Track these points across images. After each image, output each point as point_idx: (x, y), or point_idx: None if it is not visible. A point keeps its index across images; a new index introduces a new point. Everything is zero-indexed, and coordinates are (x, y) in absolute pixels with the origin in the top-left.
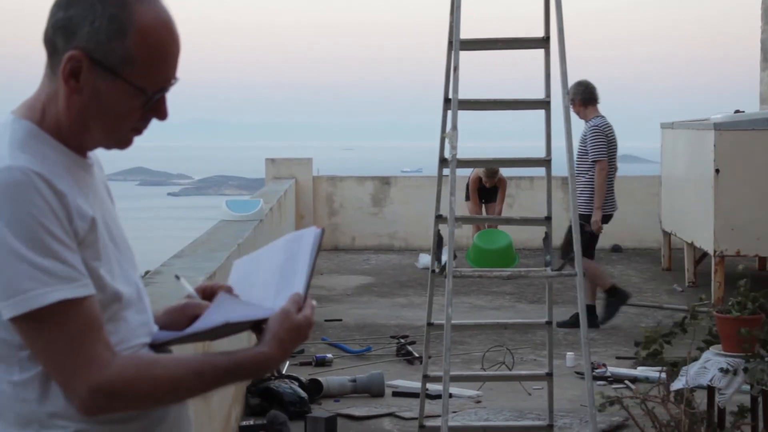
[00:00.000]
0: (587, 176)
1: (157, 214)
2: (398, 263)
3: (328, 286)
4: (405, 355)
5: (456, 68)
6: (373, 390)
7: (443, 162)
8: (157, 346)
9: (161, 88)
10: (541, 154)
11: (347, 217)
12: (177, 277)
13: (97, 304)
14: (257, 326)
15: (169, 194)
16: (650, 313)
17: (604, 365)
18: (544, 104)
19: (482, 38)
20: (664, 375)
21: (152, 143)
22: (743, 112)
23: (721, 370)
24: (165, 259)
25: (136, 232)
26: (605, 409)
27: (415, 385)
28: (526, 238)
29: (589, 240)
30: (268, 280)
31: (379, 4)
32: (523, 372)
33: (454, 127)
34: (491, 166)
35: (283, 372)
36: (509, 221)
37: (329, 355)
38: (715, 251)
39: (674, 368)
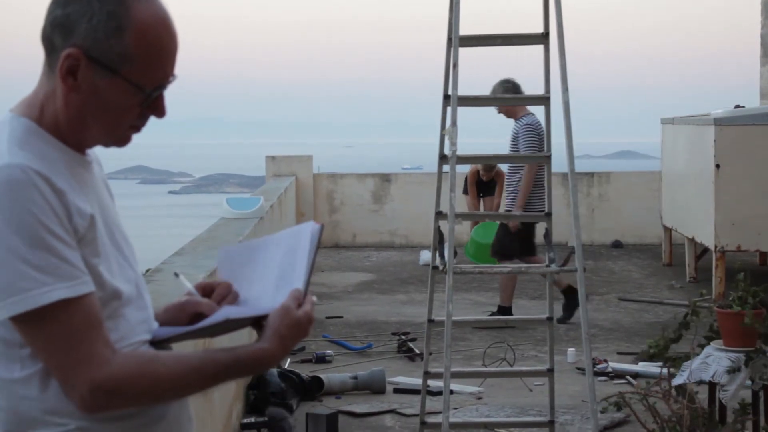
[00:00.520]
0: (519, 175)
1: (158, 212)
2: (399, 260)
3: (329, 283)
4: (406, 351)
5: (455, 65)
6: (374, 387)
7: (443, 158)
8: (158, 343)
9: (159, 85)
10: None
11: (348, 214)
12: (176, 275)
13: (96, 301)
14: (257, 323)
15: (169, 192)
16: (651, 309)
17: (606, 361)
18: (544, 100)
19: (481, 34)
20: (665, 371)
21: (153, 141)
22: (743, 107)
23: (729, 371)
24: (166, 256)
25: (137, 231)
26: (607, 410)
27: (416, 381)
28: None
29: (525, 239)
30: (266, 275)
31: (379, 0)
32: (524, 368)
33: (454, 123)
34: (492, 163)
35: (285, 368)
36: (510, 217)
37: (330, 352)
38: (715, 246)
39: (676, 363)
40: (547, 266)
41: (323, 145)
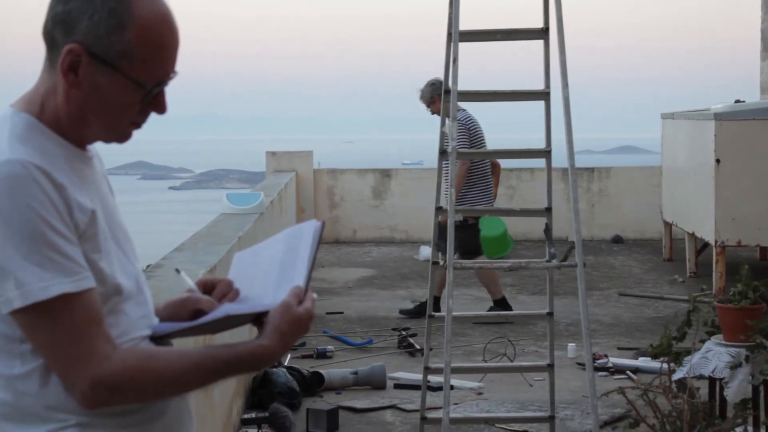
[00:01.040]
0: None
1: (158, 207)
2: (399, 255)
3: (330, 278)
4: (406, 347)
5: (455, 60)
6: (374, 382)
7: (443, 154)
8: (158, 339)
9: (160, 82)
10: (541, 145)
11: (348, 210)
12: (177, 271)
13: (97, 297)
14: (258, 319)
15: (170, 188)
16: (651, 304)
17: (606, 356)
18: (544, 95)
19: (481, 29)
20: (665, 366)
21: (153, 137)
22: (744, 101)
23: (731, 367)
24: (166, 252)
25: (138, 226)
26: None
27: (417, 377)
28: (527, 229)
29: (472, 236)
30: (268, 274)
31: None
32: (525, 363)
33: (454, 118)
34: (491, 158)
35: (285, 364)
36: (509, 212)
37: (330, 347)
38: (716, 241)
39: (677, 358)
40: (547, 261)
41: (323, 141)
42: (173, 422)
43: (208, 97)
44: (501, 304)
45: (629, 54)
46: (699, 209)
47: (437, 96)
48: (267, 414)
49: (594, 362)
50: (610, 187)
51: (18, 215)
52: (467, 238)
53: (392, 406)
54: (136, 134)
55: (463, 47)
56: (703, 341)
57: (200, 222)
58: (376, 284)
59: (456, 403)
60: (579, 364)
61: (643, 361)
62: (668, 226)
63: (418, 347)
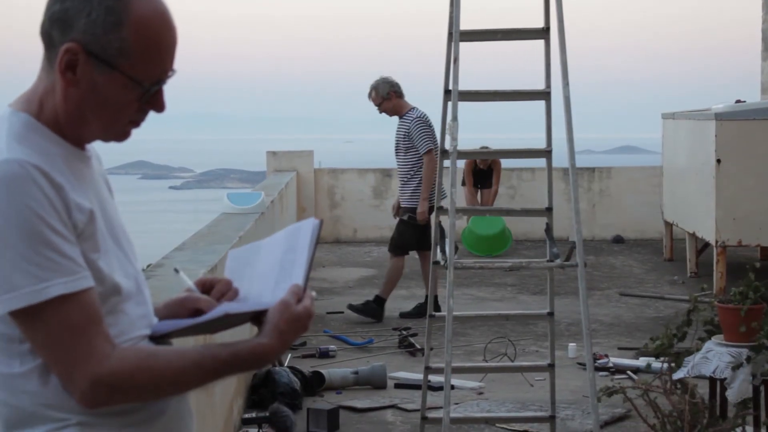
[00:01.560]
0: (415, 170)
1: (159, 207)
2: None
3: (330, 278)
4: (407, 347)
5: (456, 59)
6: (375, 382)
7: (444, 153)
8: (157, 339)
9: (158, 80)
10: (541, 144)
11: (349, 210)
12: (176, 271)
13: (96, 296)
14: (257, 318)
15: (170, 187)
16: (652, 304)
17: (607, 356)
18: (545, 95)
19: (482, 29)
20: (666, 366)
21: (153, 136)
22: (744, 101)
23: (733, 367)
24: (166, 252)
25: (138, 226)
26: (601, 400)
27: (417, 376)
28: (527, 229)
29: (422, 233)
30: (267, 272)
31: None
32: (525, 363)
33: (455, 118)
34: (492, 158)
35: (285, 364)
36: (510, 212)
37: (333, 347)
38: (716, 241)
39: (677, 358)
40: (549, 261)
41: (324, 141)
42: (173, 421)
43: (209, 96)
44: (379, 303)
45: (630, 54)
46: (700, 209)
47: (393, 93)
48: (267, 413)
49: (594, 362)
50: (610, 187)
51: (16, 215)
52: (408, 236)
53: (393, 406)
54: (136, 133)
55: (464, 47)
56: (702, 340)
57: (201, 221)
58: (377, 284)
59: (456, 403)
60: (580, 364)
61: (644, 361)
62: (669, 226)
63: (418, 347)
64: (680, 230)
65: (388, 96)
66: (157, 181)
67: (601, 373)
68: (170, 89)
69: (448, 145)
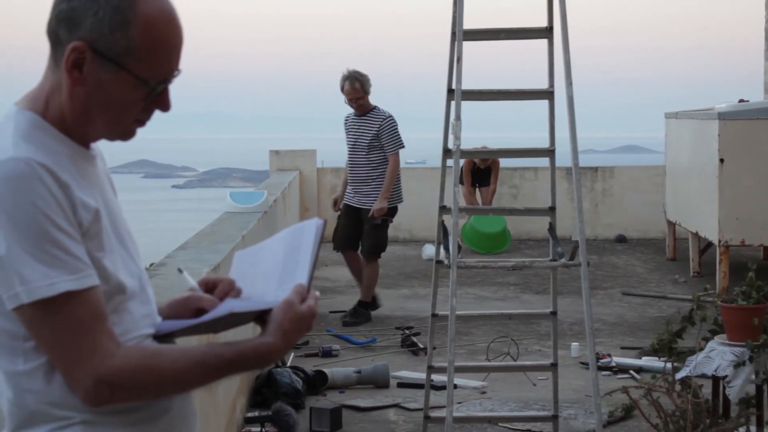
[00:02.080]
0: (380, 170)
1: (162, 206)
2: (402, 254)
3: (333, 277)
4: (410, 346)
5: (459, 59)
6: (377, 381)
7: (447, 153)
8: (161, 338)
9: (164, 79)
10: (544, 144)
11: None
12: (180, 271)
13: (101, 295)
14: (261, 317)
15: (173, 186)
16: (654, 303)
17: (609, 355)
18: (548, 94)
19: (485, 29)
20: (669, 365)
21: (157, 135)
22: (747, 101)
23: (735, 366)
24: (169, 251)
25: (141, 225)
26: (614, 414)
27: (420, 376)
28: (530, 228)
29: (384, 236)
30: (270, 272)
31: None
32: (528, 363)
33: (458, 117)
34: (495, 157)
35: (288, 363)
36: (513, 212)
37: (336, 346)
38: (719, 241)
39: (680, 358)
40: (552, 260)
41: (327, 140)
42: (177, 420)
43: (212, 95)
44: (365, 307)
45: (633, 53)
46: (702, 209)
47: (368, 89)
48: (270, 413)
49: (597, 362)
50: (613, 187)
51: (22, 213)
52: (383, 238)
53: (395, 405)
54: (140, 132)
55: (467, 46)
56: (706, 339)
57: (204, 221)
58: (380, 283)
59: (459, 402)
60: (582, 363)
61: (647, 361)
62: (672, 225)
63: (421, 346)
64: (683, 230)
65: (367, 92)
66: (160, 180)
67: (603, 373)
68: (174, 88)
69: (451, 145)
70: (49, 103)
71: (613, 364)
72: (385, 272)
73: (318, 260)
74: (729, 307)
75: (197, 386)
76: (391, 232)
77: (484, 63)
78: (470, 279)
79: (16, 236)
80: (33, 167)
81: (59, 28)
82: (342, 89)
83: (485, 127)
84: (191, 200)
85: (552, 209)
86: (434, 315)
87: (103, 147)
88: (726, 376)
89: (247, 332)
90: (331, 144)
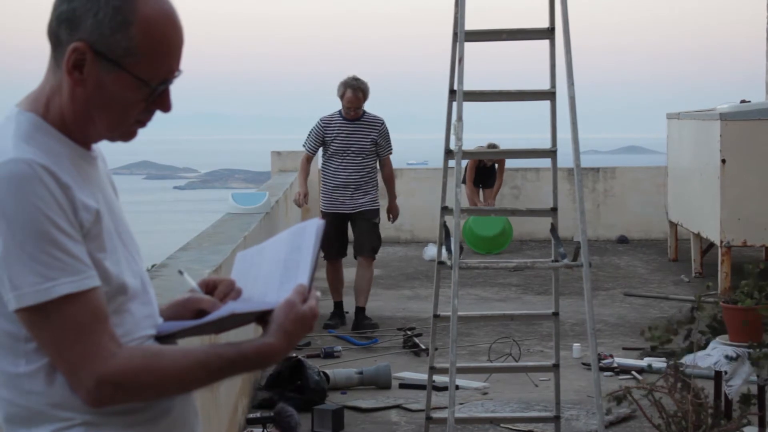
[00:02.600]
0: (372, 173)
1: (163, 207)
2: (404, 255)
3: None
4: (411, 347)
5: (461, 59)
6: (379, 382)
7: (449, 153)
8: (163, 338)
9: (165, 80)
10: (546, 145)
11: None
12: (180, 273)
13: (102, 296)
14: (262, 318)
15: (175, 188)
16: (656, 304)
17: (611, 356)
18: (550, 95)
19: (487, 29)
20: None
21: (158, 137)
22: (749, 101)
23: (727, 357)
24: (171, 252)
25: (143, 226)
26: (611, 411)
27: (422, 377)
28: (532, 229)
29: (379, 234)
30: (271, 273)
31: None
32: (530, 363)
33: (459, 118)
34: (497, 158)
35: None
36: (515, 212)
37: (338, 347)
38: (721, 241)
39: (679, 356)
40: (554, 261)
41: None
42: (179, 421)
43: (213, 96)
44: (363, 313)
45: (635, 53)
46: (704, 209)
47: (367, 95)
48: (272, 413)
49: (599, 362)
50: (615, 187)
51: (23, 214)
52: (379, 236)
53: (397, 406)
54: (141, 134)
55: (469, 47)
56: (702, 332)
57: (205, 222)
58: (381, 284)
59: (461, 403)
60: (584, 364)
61: (648, 362)
62: (673, 226)
63: (423, 347)
64: (685, 230)
65: (367, 99)
66: (162, 181)
67: (605, 374)
68: (175, 88)
69: (453, 145)
70: (50, 104)
71: (615, 364)
72: (387, 273)
73: (319, 260)
74: (731, 307)
75: (199, 387)
76: (393, 232)
77: (485, 64)
78: (472, 280)
79: (18, 238)
80: (34, 169)
81: (60, 29)
82: (341, 96)
83: (487, 128)
84: (193, 201)
85: (554, 210)
86: (436, 316)
87: (105, 148)
88: (725, 372)
89: (249, 333)
90: None
